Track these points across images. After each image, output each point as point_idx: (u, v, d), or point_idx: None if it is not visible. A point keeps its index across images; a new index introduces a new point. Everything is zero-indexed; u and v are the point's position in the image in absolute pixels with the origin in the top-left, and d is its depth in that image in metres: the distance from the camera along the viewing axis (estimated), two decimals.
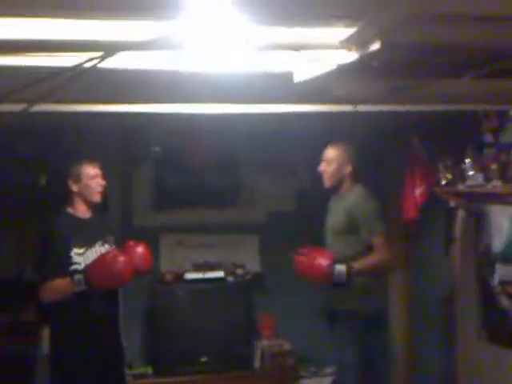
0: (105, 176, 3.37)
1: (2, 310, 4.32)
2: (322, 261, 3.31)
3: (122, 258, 3.11)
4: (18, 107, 1.86)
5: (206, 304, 4.67)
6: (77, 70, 1.47)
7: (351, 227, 3.43)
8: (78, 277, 3.08)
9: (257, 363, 4.72)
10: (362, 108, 3.05)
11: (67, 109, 2.98)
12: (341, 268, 3.28)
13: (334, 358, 3.63)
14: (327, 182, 3.56)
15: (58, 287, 3.13)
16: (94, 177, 3.30)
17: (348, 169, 3.52)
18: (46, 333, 3.89)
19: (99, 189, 3.31)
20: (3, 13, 1.35)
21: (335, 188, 3.58)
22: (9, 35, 1.46)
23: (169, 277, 4.76)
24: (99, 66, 1.56)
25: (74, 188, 3.29)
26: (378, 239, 3.38)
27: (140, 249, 3.34)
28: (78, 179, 3.28)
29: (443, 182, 3.71)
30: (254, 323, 4.85)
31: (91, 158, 3.36)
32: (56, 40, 1.45)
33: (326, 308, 3.61)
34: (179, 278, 4.75)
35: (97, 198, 3.32)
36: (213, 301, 4.69)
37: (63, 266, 3.15)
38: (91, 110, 3.04)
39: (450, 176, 3.67)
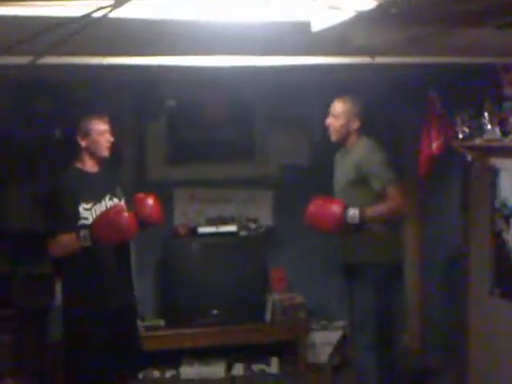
0: (113, 131, 3.35)
1: (18, 262, 4.36)
2: (335, 207, 3.33)
3: (125, 213, 3.10)
4: (26, 59, 1.82)
5: (218, 257, 4.69)
6: (86, 20, 1.42)
7: (360, 179, 3.43)
8: (83, 232, 3.10)
9: (268, 316, 4.75)
10: (379, 60, 2.98)
11: (79, 61, 2.93)
12: (353, 211, 3.29)
13: (349, 310, 3.65)
14: (334, 135, 3.55)
15: (65, 242, 3.15)
16: (102, 132, 3.28)
17: (356, 123, 3.49)
18: (59, 285, 3.93)
19: (107, 144, 3.30)
20: None
21: (341, 142, 3.54)
22: None
23: (182, 230, 4.77)
24: (111, 16, 1.51)
25: (83, 143, 3.28)
26: (390, 187, 3.39)
27: (149, 200, 3.34)
28: (86, 134, 3.27)
29: (460, 136, 3.64)
30: (266, 277, 4.87)
31: (100, 113, 3.34)
32: None
33: (342, 262, 3.61)
34: (192, 231, 4.76)
35: (105, 153, 3.31)
36: (225, 254, 4.70)
37: (71, 221, 3.16)
38: (104, 62, 2.99)
39: (467, 130, 3.61)
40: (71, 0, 1.49)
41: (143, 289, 4.58)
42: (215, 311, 4.63)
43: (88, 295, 3.22)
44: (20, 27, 1.64)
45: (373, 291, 3.43)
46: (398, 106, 4.59)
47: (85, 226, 3.15)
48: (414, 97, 4.32)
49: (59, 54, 2.61)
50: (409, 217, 4.65)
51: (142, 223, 3.27)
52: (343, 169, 3.56)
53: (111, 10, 1.46)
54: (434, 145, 3.96)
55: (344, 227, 3.36)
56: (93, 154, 3.30)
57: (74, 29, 1.41)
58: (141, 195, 3.36)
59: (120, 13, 1.68)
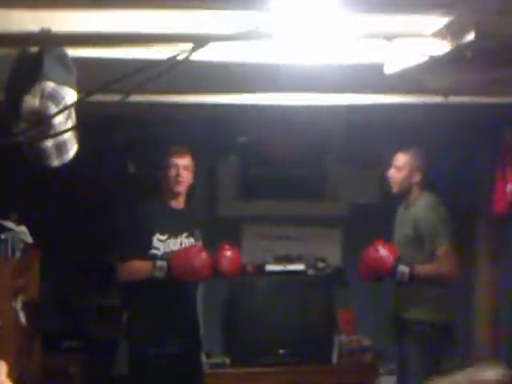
0: (194, 167, 3.38)
1: (89, 294, 4.46)
2: (389, 255, 3.26)
3: (204, 255, 3.13)
4: (110, 98, 1.91)
5: (285, 296, 4.66)
6: (170, 62, 1.48)
7: (417, 237, 3.36)
8: (160, 263, 3.13)
9: (335, 358, 4.67)
10: (453, 100, 2.95)
11: (157, 99, 3.03)
12: (404, 268, 3.22)
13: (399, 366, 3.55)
14: (395, 188, 3.52)
15: (138, 269, 3.19)
16: (173, 166, 3.30)
17: (417, 176, 3.45)
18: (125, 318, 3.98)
19: (176, 179, 3.30)
20: (103, 5, 1.37)
21: (403, 194, 3.51)
22: (107, 28, 1.50)
23: (250, 268, 4.77)
24: (191, 58, 1.57)
25: (161, 176, 3.33)
26: (443, 249, 3.29)
27: (229, 252, 3.34)
28: (163, 168, 3.32)
29: None
30: (334, 318, 4.80)
31: (177, 149, 3.38)
32: (150, 33, 1.46)
33: (395, 316, 3.54)
34: (260, 269, 4.75)
35: (176, 188, 3.32)
36: (293, 293, 4.67)
37: (143, 248, 3.20)
38: (180, 100, 3.08)
39: None
40: (156, 43, 1.56)
41: (210, 326, 4.59)
42: (281, 351, 4.59)
43: (152, 330, 3.23)
44: (109, 68, 1.72)
45: (419, 349, 3.34)
46: (473, 147, 4.49)
47: (160, 258, 3.19)
48: (490, 137, 4.22)
49: (140, 93, 2.71)
50: (481, 262, 4.52)
51: (219, 272, 3.30)
52: (403, 224, 3.51)
53: (192, 52, 1.52)
54: (509, 187, 3.86)
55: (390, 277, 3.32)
56: (169, 189, 3.33)
57: (162, 69, 1.48)
58: (226, 247, 3.35)
59: (200, 55, 1.74)
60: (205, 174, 4.84)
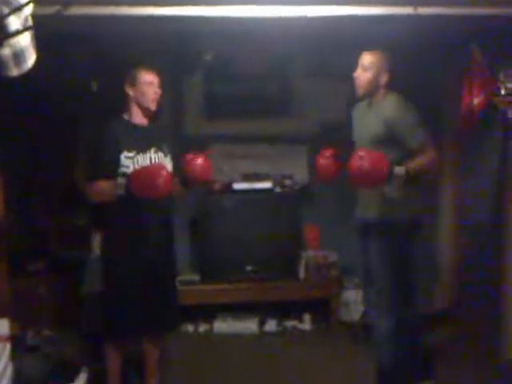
0: (160, 85, 3.32)
1: (55, 214, 4.43)
2: (382, 163, 3.15)
3: (164, 173, 3.09)
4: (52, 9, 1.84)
5: (253, 214, 4.70)
6: None
7: (389, 137, 3.30)
8: (120, 181, 3.11)
9: (301, 273, 4.77)
10: (422, 11, 2.91)
11: (116, 11, 2.92)
12: (400, 170, 3.18)
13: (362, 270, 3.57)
14: (360, 89, 3.40)
15: (102, 189, 3.17)
16: (150, 83, 3.28)
17: (384, 77, 3.36)
18: (97, 236, 3.97)
19: (154, 96, 3.29)
20: None
21: (368, 96, 3.44)
22: None
23: (217, 186, 4.79)
24: None
25: (130, 92, 3.28)
26: (424, 143, 3.28)
27: (200, 160, 3.33)
28: (134, 84, 3.27)
29: (503, 92, 3.56)
30: (300, 234, 4.88)
31: (148, 65, 3.32)
32: None
33: (359, 219, 3.54)
34: (228, 187, 4.77)
35: (151, 106, 3.30)
36: (260, 211, 4.72)
37: (111, 167, 3.18)
38: (143, 12, 2.98)
39: (510, 85, 3.52)
40: None
41: (179, 244, 4.61)
42: (249, 267, 4.67)
43: (126, 245, 3.25)
44: None
45: (387, 251, 3.37)
46: (438, 60, 4.48)
47: (124, 174, 3.17)
48: (458, 50, 4.20)
49: (95, 4, 2.60)
50: (446, 174, 4.61)
51: (191, 182, 3.29)
52: (368, 125, 3.40)
53: None
54: (476, 101, 3.87)
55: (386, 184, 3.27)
56: (140, 105, 3.29)
57: None
58: (190, 156, 3.34)
59: None
60: (170, 92, 4.75)
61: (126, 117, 3.32)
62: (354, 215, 3.56)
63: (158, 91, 3.31)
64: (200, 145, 4.72)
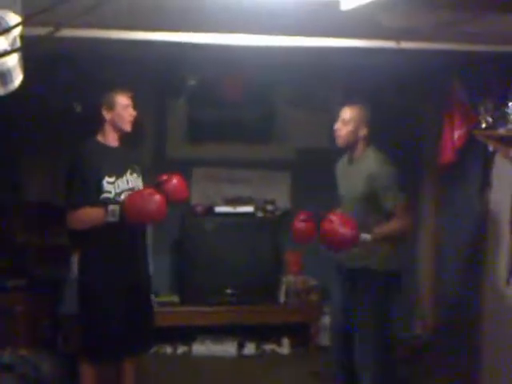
0: (136, 106, 3.35)
1: (34, 232, 4.41)
2: (348, 230, 3.20)
3: (158, 197, 3.11)
4: (46, 30, 1.86)
5: (234, 238, 4.72)
6: None
7: (371, 195, 3.37)
8: (112, 208, 3.10)
9: (281, 298, 4.78)
10: (404, 45, 2.97)
11: (103, 35, 2.94)
12: (365, 237, 3.25)
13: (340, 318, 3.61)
14: (341, 141, 3.47)
15: (89, 216, 3.15)
16: (126, 106, 3.29)
17: (363, 131, 3.44)
18: (75, 257, 3.95)
19: (130, 118, 3.31)
20: None
21: (348, 148, 3.50)
22: None
23: (199, 209, 4.80)
24: None
25: (107, 116, 3.28)
26: (400, 207, 3.33)
27: (175, 181, 3.34)
28: (110, 107, 3.27)
29: (483, 126, 3.62)
30: (281, 259, 4.90)
31: (124, 88, 3.33)
32: None
33: (340, 265, 3.59)
34: (209, 210, 4.78)
35: (127, 128, 3.32)
36: (241, 235, 4.73)
37: (93, 193, 3.16)
38: (128, 37, 3.00)
39: (490, 119, 3.58)
40: None
41: (159, 265, 4.62)
42: (229, 291, 4.67)
43: (105, 269, 3.24)
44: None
45: (372, 298, 3.41)
46: (420, 93, 4.55)
47: (108, 200, 3.16)
48: (438, 84, 4.28)
49: (80, 27, 2.63)
50: (426, 206, 4.65)
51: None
52: (350, 182, 3.47)
53: None
54: (457, 134, 3.93)
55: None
56: (116, 128, 3.30)
57: (97, 1, 1.42)
58: (165, 176, 3.34)
59: None
60: (153, 116, 4.78)
61: (99, 139, 3.31)
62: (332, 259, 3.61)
63: (133, 113, 3.33)
64: (182, 168, 4.74)
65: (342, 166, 3.62)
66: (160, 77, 4.65)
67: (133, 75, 4.26)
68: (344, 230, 3.17)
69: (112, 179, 3.23)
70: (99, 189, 3.18)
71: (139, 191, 3.24)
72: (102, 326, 3.25)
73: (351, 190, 3.46)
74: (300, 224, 3.42)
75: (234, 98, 4.83)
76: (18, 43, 1.82)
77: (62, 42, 2.88)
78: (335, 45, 3.06)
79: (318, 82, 4.48)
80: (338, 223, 3.19)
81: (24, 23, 1.87)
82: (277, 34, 2.91)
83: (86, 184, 3.16)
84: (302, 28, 2.71)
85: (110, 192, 3.21)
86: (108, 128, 3.30)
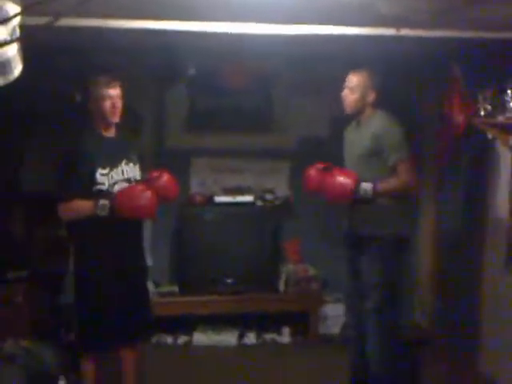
0: (123, 95, 3.26)
1: (34, 225, 4.41)
2: (347, 179, 3.36)
3: (149, 193, 3.11)
4: (41, 20, 1.86)
5: (234, 227, 4.72)
6: None
7: (376, 152, 3.43)
8: (102, 202, 3.09)
9: (281, 287, 4.79)
10: (404, 32, 2.97)
11: (101, 24, 2.94)
12: (367, 185, 3.32)
13: (352, 282, 3.66)
14: (349, 108, 3.53)
15: (80, 208, 3.13)
16: (107, 97, 3.20)
17: (371, 96, 3.47)
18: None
19: (113, 110, 3.22)
20: None
21: (356, 115, 3.54)
22: None
23: (199, 199, 4.80)
24: None
25: (92, 107, 3.24)
26: (404, 164, 3.41)
27: (165, 178, 3.32)
28: (93, 99, 3.22)
29: (482, 113, 3.62)
30: (281, 248, 4.90)
31: (107, 77, 3.26)
32: None
33: (347, 233, 3.63)
34: (209, 200, 4.78)
35: (112, 119, 3.24)
36: (241, 224, 4.73)
37: (86, 185, 3.14)
38: (126, 26, 3.00)
39: (489, 107, 3.58)
40: None
41: (159, 255, 4.63)
42: (229, 280, 4.68)
43: (98, 259, 3.23)
44: None
45: (377, 264, 3.46)
46: (421, 80, 4.55)
47: (101, 192, 3.15)
48: (437, 71, 4.28)
49: (78, 17, 2.62)
50: (425, 191, 4.66)
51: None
52: (357, 141, 3.54)
53: None
54: (456, 121, 3.93)
55: (349, 199, 3.40)
56: (102, 119, 3.25)
57: None
58: (155, 173, 3.33)
59: None
60: (153, 104, 4.77)
61: (94, 129, 3.28)
62: (341, 228, 3.63)
63: (117, 104, 3.23)
64: (182, 157, 4.77)
65: (350, 129, 3.67)
66: (159, 65, 4.63)
67: (132, 64, 4.25)
68: (343, 179, 3.34)
69: (106, 170, 3.20)
70: (92, 180, 3.15)
71: (130, 187, 3.21)
72: (97, 315, 3.24)
73: (356, 148, 3.52)
74: (313, 171, 3.52)
75: (233, 86, 4.81)
76: (18, 33, 1.82)
77: (61, 32, 2.88)
78: (334, 32, 3.06)
79: (320, 69, 4.46)
80: (337, 173, 3.37)
81: (23, 13, 1.87)
82: (276, 23, 2.90)
83: (78, 175, 3.13)
84: (301, 16, 2.71)
85: (103, 184, 3.18)
86: (96, 118, 3.26)
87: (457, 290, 4.39)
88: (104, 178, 3.19)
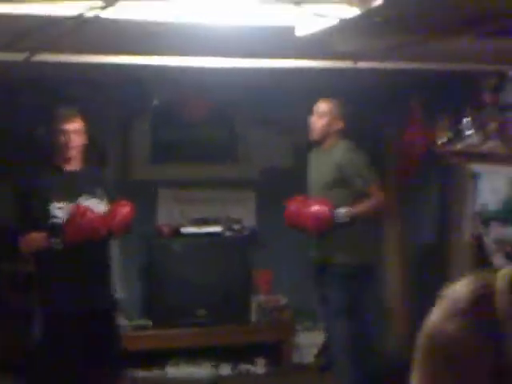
0: (86, 130, 3.28)
1: (6, 259, 4.36)
2: (323, 206, 3.39)
3: (89, 214, 3.10)
4: (19, 56, 1.88)
5: (203, 258, 4.72)
6: (79, 19, 1.47)
7: (340, 180, 3.49)
8: (55, 240, 3.08)
9: (253, 317, 4.78)
10: (361, 65, 3.05)
11: (67, 59, 2.97)
12: (343, 210, 3.37)
13: (321, 310, 3.71)
14: (315, 134, 3.58)
15: (34, 242, 3.13)
16: (71, 132, 3.21)
17: (338, 125, 3.54)
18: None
19: (73, 144, 3.22)
20: None
21: (321, 142, 3.60)
22: None
23: (166, 230, 4.78)
24: (101, 16, 1.57)
25: (54, 142, 3.23)
26: (374, 186, 3.49)
27: (123, 209, 3.28)
28: (56, 134, 3.22)
29: (441, 141, 3.72)
30: (251, 278, 4.90)
31: (70, 112, 3.28)
32: None
33: (316, 261, 3.68)
34: (176, 231, 4.77)
35: (71, 154, 3.24)
36: (210, 255, 4.74)
37: (40, 219, 3.13)
38: (90, 60, 3.03)
39: (448, 135, 3.69)
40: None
41: (130, 289, 4.61)
42: (201, 312, 4.67)
43: (61, 293, 3.18)
44: (15, 25, 1.68)
45: (343, 291, 3.50)
46: (379, 111, 4.64)
47: (56, 225, 3.12)
48: (396, 101, 4.38)
49: (49, 52, 2.65)
50: (388, 218, 4.73)
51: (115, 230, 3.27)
52: (321, 170, 3.60)
53: (101, 10, 1.51)
54: (415, 149, 4.03)
55: (330, 226, 3.45)
56: (64, 154, 3.24)
57: (70, 27, 1.46)
58: (114, 204, 3.29)
59: (108, 13, 1.73)
60: (116, 137, 4.79)
61: (54, 165, 3.27)
62: (308, 258, 3.68)
63: (77, 138, 3.23)
64: (147, 189, 4.78)
65: (313, 156, 3.71)
66: (123, 97, 4.66)
67: (95, 96, 4.27)
68: (320, 207, 3.39)
69: (62, 204, 3.17)
70: (47, 214, 3.13)
71: (74, 210, 3.14)
72: (60, 352, 3.17)
73: (321, 177, 3.58)
74: (291, 206, 3.52)
75: (196, 117, 4.85)
76: None
77: (25, 66, 2.91)
78: (292, 66, 3.13)
79: (280, 101, 4.55)
80: (313, 203, 3.43)
81: None
82: (236, 57, 2.97)
83: (32, 209, 3.14)
84: (259, 51, 2.78)
85: (59, 218, 3.14)
86: (58, 154, 3.25)
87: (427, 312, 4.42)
88: (59, 211, 3.16)
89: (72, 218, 3.12)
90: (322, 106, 3.54)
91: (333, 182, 3.50)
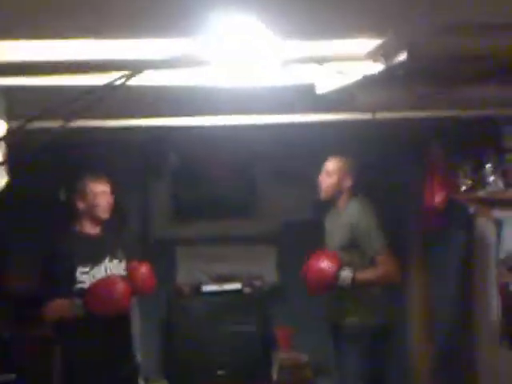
0: (115, 190, 3.28)
1: (21, 324, 4.30)
2: (329, 265, 3.30)
3: (121, 285, 3.04)
4: (50, 124, 1.90)
5: (223, 316, 4.65)
6: (108, 88, 1.47)
7: (354, 242, 3.41)
8: (77, 301, 3.01)
9: (274, 375, 4.68)
10: (380, 116, 3.03)
11: (89, 124, 2.97)
12: (347, 273, 3.28)
13: (339, 372, 3.59)
14: (324, 193, 3.53)
15: (60, 309, 3.07)
16: (100, 193, 3.20)
17: (348, 182, 3.49)
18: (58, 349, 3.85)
19: (106, 205, 3.21)
20: (38, 35, 1.35)
21: (332, 201, 3.55)
22: (47, 57, 1.47)
23: (186, 289, 4.75)
24: (127, 83, 1.56)
25: (80, 205, 3.20)
26: (381, 256, 3.38)
27: (143, 269, 3.23)
28: (83, 196, 3.20)
29: (463, 188, 3.67)
30: (272, 335, 4.82)
31: (97, 174, 3.27)
32: (89, 60, 1.45)
33: (330, 322, 3.59)
34: (196, 290, 4.74)
35: (105, 215, 3.22)
36: (230, 313, 4.67)
37: (65, 286, 3.08)
38: (113, 124, 3.05)
39: (470, 182, 3.64)
40: (95, 71, 1.55)
41: (147, 348, 4.52)
42: (221, 371, 4.57)
43: (87, 362, 3.12)
44: (48, 96, 1.70)
45: (358, 354, 3.40)
46: (400, 160, 4.61)
47: (82, 292, 3.06)
48: (417, 150, 4.35)
49: (82, 118, 2.65)
50: (412, 274, 4.64)
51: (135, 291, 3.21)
52: (336, 231, 3.53)
53: (128, 79, 1.51)
54: (437, 198, 3.98)
55: (333, 288, 3.36)
56: (91, 217, 3.21)
57: (100, 95, 1.47)
58: (134, 264, 3.26)
59: (134, 81, 1.72)
60: (137, 196, 4.79)
61: (77, 228, 3.23)
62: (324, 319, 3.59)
63: (110, 200, 3.23)
64: (167, 247, 4.75)
65: (328, 218, 3.65)
66: (143, 158, 4.67)
67: (115, 158, 4.28)
68: (324, 264, 3.28)
69: (86, 269, 3.13)
70: (72, 279, 3.08)
71: (100, 281, 3.10)
72: None
73: (335, 239, 3.50)
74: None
75: (216, 175, 4.87)
76: (3, 148, 1.83)
77: (43, 133, 2.91)
78: (310, 120, 3.13)
79: (299, 156, 4.54)
80: (319, 258, 3.33)
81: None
82: (256, 114, 2.97)
83: (56, 276, 3.08)
84: (279, 108, 2.78)
85: (84, 282, 3.10)
86: (84, 216, 3.22)
87: (453, 371, 4.31)
88: (85, 276, 3.11)
89: (100, 288, 3.05)
90: (331, 165, 3.51)
91: (346, 244, 3.44)
